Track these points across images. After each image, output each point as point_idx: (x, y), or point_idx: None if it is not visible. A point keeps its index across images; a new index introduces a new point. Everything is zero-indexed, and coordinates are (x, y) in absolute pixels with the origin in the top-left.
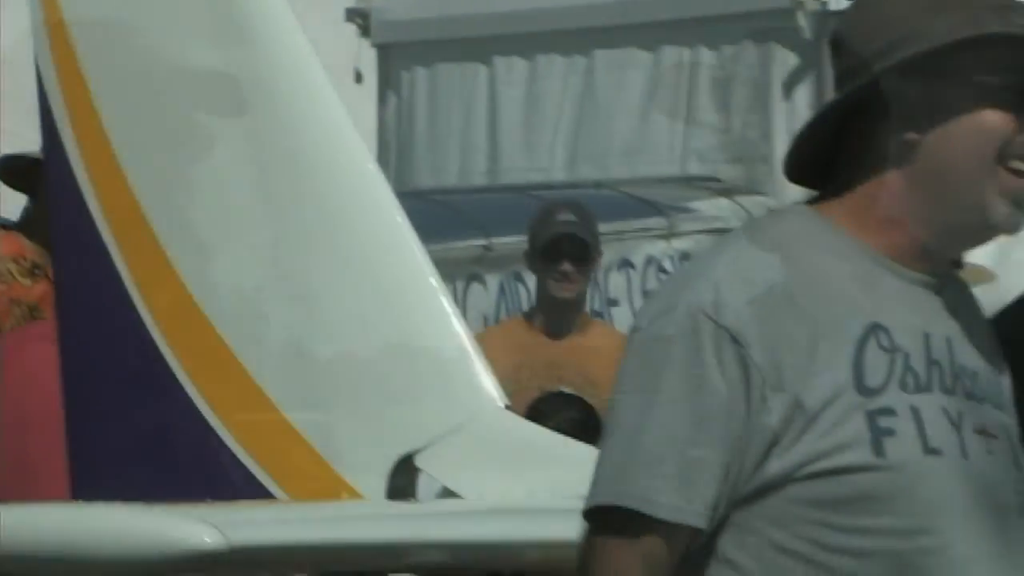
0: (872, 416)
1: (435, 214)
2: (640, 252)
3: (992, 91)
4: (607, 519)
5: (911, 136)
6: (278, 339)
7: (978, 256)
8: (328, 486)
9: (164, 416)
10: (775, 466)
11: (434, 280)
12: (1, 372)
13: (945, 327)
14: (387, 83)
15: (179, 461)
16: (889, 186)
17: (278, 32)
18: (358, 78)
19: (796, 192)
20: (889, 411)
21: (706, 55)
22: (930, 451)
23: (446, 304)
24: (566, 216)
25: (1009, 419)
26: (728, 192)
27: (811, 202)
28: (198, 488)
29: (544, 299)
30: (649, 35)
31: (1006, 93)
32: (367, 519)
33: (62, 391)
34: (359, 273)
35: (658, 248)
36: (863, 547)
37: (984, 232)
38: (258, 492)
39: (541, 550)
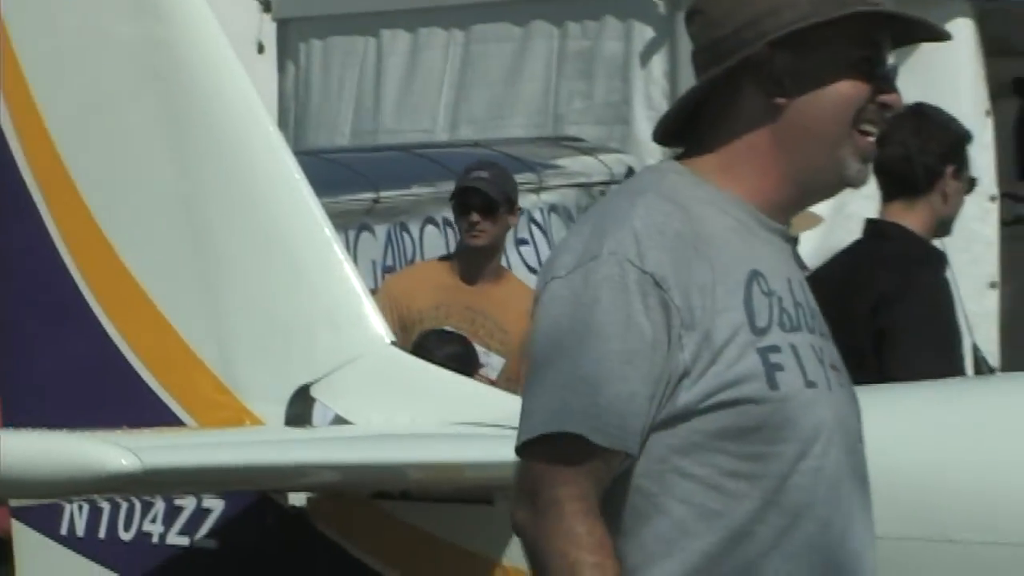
0: (764, 353)
1: (329, 171)
2: None
3: (851, 62)
4: (552, 448)
5: (779, 100)
6: (187, 282)
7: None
8: (233, 414)
9: (85, 351)
10: (683, 398)
11: (328, 230)
12: None
13: (795, 272)
14: (286, 54)
15: (100, 393)
16: (757, 145)
17: (189, 8)
18: (260, 49)
19: (653, 150)
20: (775, 348)
21: (573, 29)
22: (809, 384)
23: (339, 251)
24: (478, 173)
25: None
26: (592, 151)
27: (677, 159)
28: (117, 417)
29: (460, 246)
30: (522, 11)
31: (863, 64)
32: (268, 444)
33: None
34: (261, 224)
35: (529, 200)
36: (755, 471)
37: (838, 185)
38: (170, 420)
39: (423, 471)
